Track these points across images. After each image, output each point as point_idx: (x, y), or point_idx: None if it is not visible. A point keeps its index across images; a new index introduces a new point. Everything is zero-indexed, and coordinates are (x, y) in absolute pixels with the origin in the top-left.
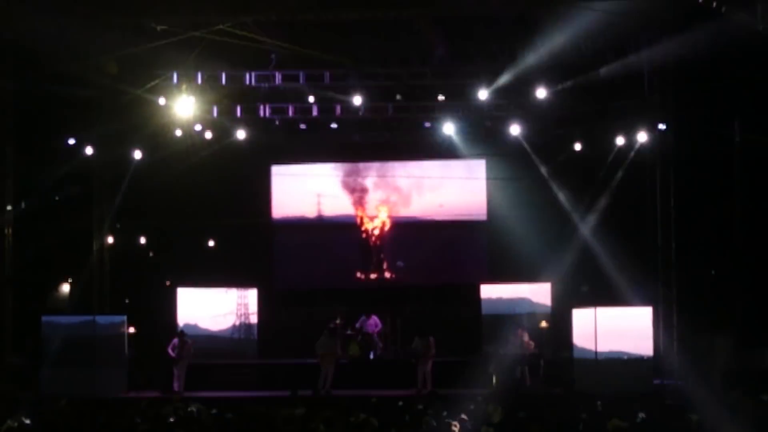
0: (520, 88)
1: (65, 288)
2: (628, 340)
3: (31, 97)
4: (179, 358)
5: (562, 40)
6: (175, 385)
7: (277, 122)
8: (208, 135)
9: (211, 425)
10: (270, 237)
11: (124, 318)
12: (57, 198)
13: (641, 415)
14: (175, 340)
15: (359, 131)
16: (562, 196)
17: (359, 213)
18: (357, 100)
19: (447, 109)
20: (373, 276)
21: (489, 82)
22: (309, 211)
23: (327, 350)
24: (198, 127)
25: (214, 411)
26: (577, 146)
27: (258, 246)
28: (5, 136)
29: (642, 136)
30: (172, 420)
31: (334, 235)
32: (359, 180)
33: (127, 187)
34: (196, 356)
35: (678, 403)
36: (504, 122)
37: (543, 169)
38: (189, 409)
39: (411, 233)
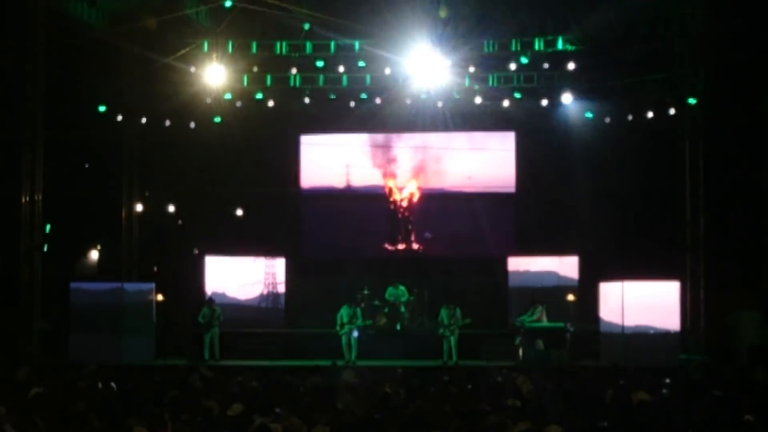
0: (550, 61)
1: (94, 255)
2: (655, 315)
3: (63, 64)
4: (209, 326)
5: (593, 13)
6: (206, 353)
7: (306, 92)
8: (238, 104)
9: (236, 394)
10: (298, 206)
11: (153, 285)
12: (87, 165)
13: (666, 390)
14: (204, 309)
15: (389, 102)
16: (590, 170)
17: (388, 184)
18: (387, 69)
19: (477, 80)
20: (400, 247)
21: (519, 54)
22: (337, 181)
23: (349, 321)
24: (228, 96)
25: (239, 379)
26: (607, 120)
27: (286, 215)
28: (36, 102)
29: (672, 110)
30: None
31: (363, 205)
32: (388, 151)
33: (156, 155)
34: (222, 325)
35: (703, 379)
36: (534, 94)
37: (572, 142)
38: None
39: (439, 205)
